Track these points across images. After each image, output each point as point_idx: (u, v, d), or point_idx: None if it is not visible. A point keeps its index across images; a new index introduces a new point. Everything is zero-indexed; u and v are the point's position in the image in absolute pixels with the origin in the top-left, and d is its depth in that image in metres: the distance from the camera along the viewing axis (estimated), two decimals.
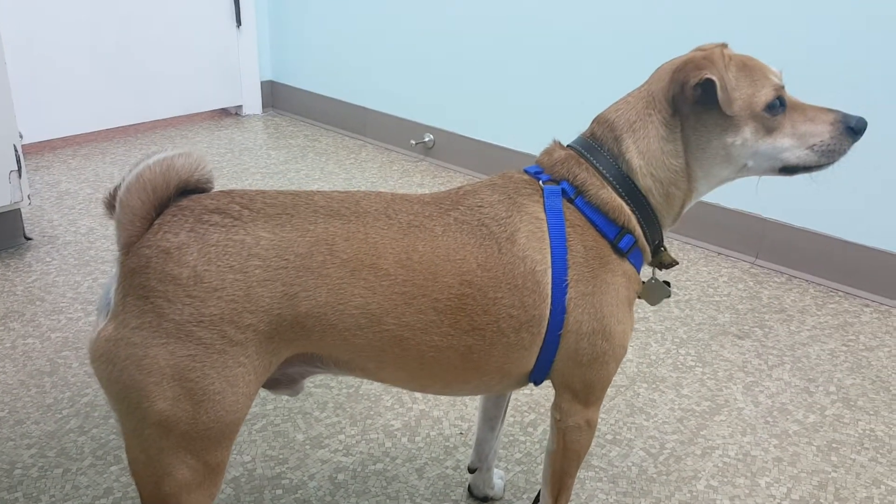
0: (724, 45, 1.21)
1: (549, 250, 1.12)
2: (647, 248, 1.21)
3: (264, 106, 4.30)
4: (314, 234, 1.04)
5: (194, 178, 1.05)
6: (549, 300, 1.12)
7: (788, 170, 1.20)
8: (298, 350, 1.08)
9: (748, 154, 1.17)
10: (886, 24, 2.27)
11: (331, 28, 3.91)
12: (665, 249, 1.24)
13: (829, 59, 2.39)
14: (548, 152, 1.24)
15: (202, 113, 4.16)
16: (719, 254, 2.76)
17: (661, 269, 1.26)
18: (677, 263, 1.26)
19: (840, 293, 2.50)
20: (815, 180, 1.25)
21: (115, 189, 1.02)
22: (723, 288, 2.51)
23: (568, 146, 1.24)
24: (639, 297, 1.28)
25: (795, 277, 2.60)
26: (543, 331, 1.14)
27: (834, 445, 1.79)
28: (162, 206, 1.03)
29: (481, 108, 3.39)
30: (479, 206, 1.15)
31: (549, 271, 1.12)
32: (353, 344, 1.08)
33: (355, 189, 3.21)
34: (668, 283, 1.29)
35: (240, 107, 4.22)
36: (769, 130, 1.16)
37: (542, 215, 1.15)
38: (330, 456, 1.68)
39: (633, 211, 1.17)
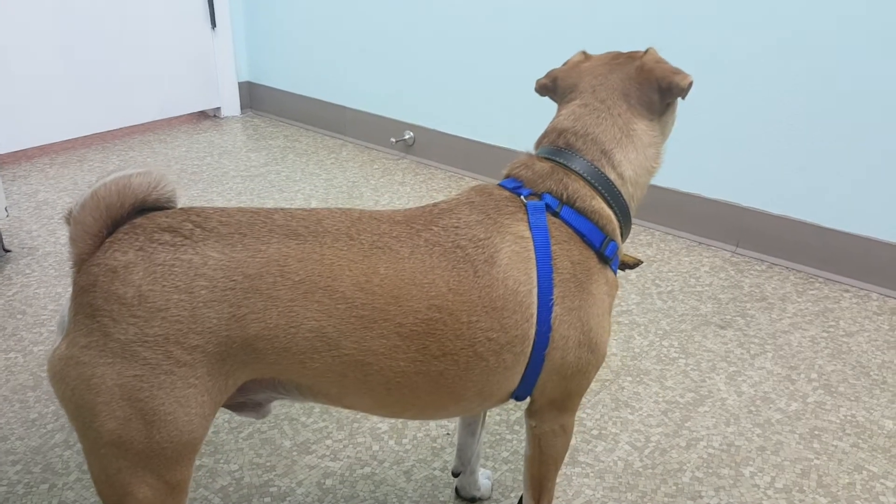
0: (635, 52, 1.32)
1: (534, 270, 1.11)
2: (621, 252, 1.24)
3: (243, 107, 4.28)
4: (266, 255, 1.02)
5: (152, 196, 1.03)
6: (533, 320, 1.10)
7: None
8: (256, 374, 1.06)
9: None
10: (857, 19, 2.29)
11: (307, 27, 3.89)
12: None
13: (801, 47, 2.41)
14: (525, 165, 1.22)
15: (180, 116, 4.13)
16: (700, 243, 2.78)
17: (623, 271, 1.29)
18: (642, 262, 1.30)
19: (820, 279, 2.53)
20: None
21: (76, 205, 1.01)
22: (704, 278, 2.53)
23: (545, 158, 1.23)
24: None
25: (776, 265, 2.63)
26: (528, 350, 1.12)
27: (816, 433, 1.81)
28: (117, 224, 1.02)
29: (461, 104, 3.39)
30: (456, 227, 1.12)
31: (535, 291, 1.10)
32: (312, 368, 1.05)
33: (337, 187, 3.20)
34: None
35: (218, 109, 4.20)
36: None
37: (528, 233, 1.13)
38: (317, 461, 1.69)
39: (618, 219, 1.20)
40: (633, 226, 1.32)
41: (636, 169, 1.22)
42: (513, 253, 1.11)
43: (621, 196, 1.20)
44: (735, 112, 2.59)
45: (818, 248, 2.54)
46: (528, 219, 1.14)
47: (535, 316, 1.10)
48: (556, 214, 1.16)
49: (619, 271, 1.31)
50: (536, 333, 1.11)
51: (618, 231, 1.20)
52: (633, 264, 1.28)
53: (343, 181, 3.35)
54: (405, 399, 1.12)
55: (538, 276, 1.10)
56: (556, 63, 3.00)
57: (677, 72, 1.21)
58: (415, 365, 1.07)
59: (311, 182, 3.33)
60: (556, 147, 1.23)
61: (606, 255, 1.17)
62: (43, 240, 2.71)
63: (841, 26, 2.32)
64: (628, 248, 2.70)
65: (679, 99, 1.24)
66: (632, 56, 1.27)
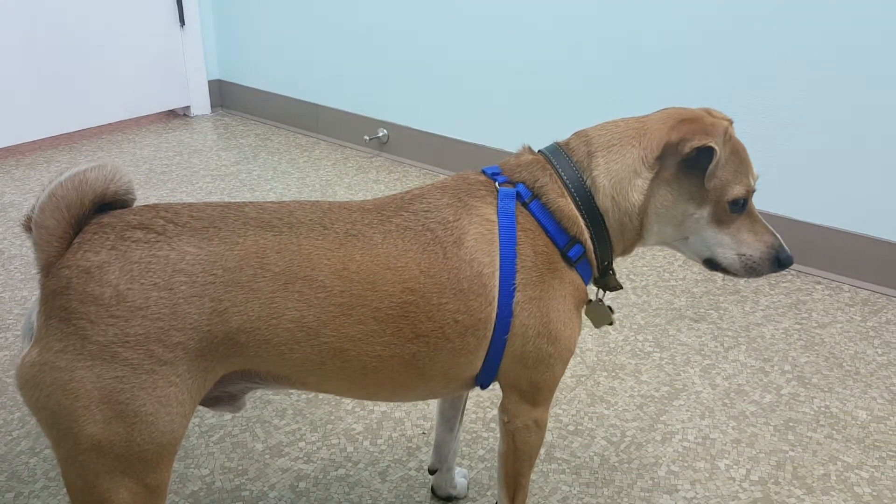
0: (731, 122, 1.23)
1: (497, 253, 1.11)
2: (595, 264, 1.21)
3: (213, 106, 4.23)
4: (243, 248, 1.02)
5: (110, 190, 1.01)
6: (495, 303, 1.11)
7: (710, 264, 1.24)
8: (234, 367, 1.06)
9: (695, 230, 1.20)
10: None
11: (278, 24, 3.85)
12: (613, 273, 1.24)
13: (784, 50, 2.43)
14: (516, 156, 1.24)
15: (149, 115, 4.07)
16: None
17: (605, 292, 1.27)
18: (621, 287, 1.27)
19: (792, 271, 2.54)
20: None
21: (33, 209, 0.99)
22: (678, 272, 2.54)
23: (539, 151, 1.24)
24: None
25: None
26: (489, 334, 1.13)
27: (790, 424, 1.82)
28: (80, 224, 1.00)
29: (435, 101, 3.37)
30: (426, 211, 1.13)
31: (497, 274, 1.11)
32: (291, 358, 1.06)
33: (310, 186, 3.17)
34: (611, 309, 1.31)
35: (188, 108, 4.14)
36: (719, 221, 1.19)
37: (494, 217, 1.14)
38: (290, 464, 1.66)
39: (586, 225, 1.17)
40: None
41: (613, 183, 1.17)
42: (478, 235, 1.12)
43: (593, 202, 1.17)
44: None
45: (790, 240, 2.53)
46: (498, 203, 1.14)
47: (496, 299, 1.11)
48: (525, 205, 1.16)
49: (602, 292, 1.28)
50: (497, 317, 1.12)
51: (586, 236, 1.17)
52: (615, 287, 1.26)
53: (316, 179, 3.32)
54: (380, 381, 1.13)
55: (500, 260, 1.11)
56: (529, 60, 3.00)
57: (709, 133, 1.13)
58: (390, 348, 1.08)
59: (283, 181, 3.29)
60: (557, 144, 1.23)
61: (570, 256, 1.16)
62: (8, 243, 2.65)
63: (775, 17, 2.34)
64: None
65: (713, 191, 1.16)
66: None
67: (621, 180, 1.17)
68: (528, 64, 3.00)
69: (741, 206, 1.19)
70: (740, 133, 1.24)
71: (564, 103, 2.92)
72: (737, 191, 1.17)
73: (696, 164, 1.14)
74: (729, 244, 1.21)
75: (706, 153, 1.13)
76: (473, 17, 3.10)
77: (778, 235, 1.24)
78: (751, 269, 1.22)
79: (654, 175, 1.17)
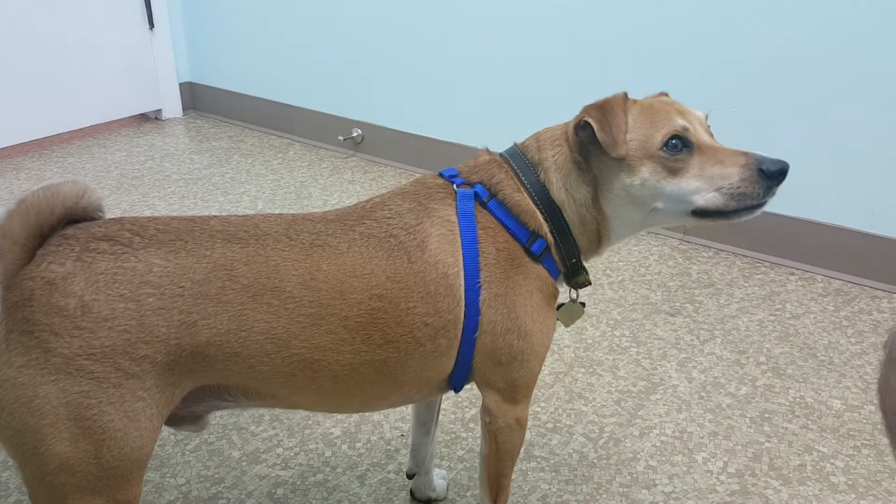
0: (625, 94, 1.18)
1: (460, 253, 1.12)
2: (559, 259, 1.21)
3: (185, 109, 4.19)
4: (211, 260, 1.01)
5: (81, 205, 1.01)
6: (462, 303, 1.12)
7: (699, 213, 1.13)
8: (203, 381, 1.05)
9: (651, 195, 1.13)
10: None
11: (249, 25, 3.82)
12: (585, 272, 1.23)
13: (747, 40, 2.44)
14: (474, 158, 1.25)
15: (120, 120, 4.02)
16: (648, 232, 2.80)
17: (576, 289, 1.27)
18: (590, 283, 1.26)
19: (766, 264, 2.57)
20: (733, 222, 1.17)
21: None
22: (654, 266, 2.55)
23: (499, 154, 1.25)
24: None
25: (723, 251, 2.66)
26: (459, 334, 1.13)
27: (766, 415, 1.83)
28: (44, 235, 0.99)
29: (409, 100, 3.36)
30: (388, 218, 1.14)
31: (462, 273, 1.12)
32: (261, 371, 1.05)
33: (284, 188, 3.15)
34: (582, 304, 1.31)
35: (159, 111, 4.09)
36: (673, 171, 1.11)
37: (454, 218, 1.15)
38: (268, 471, 1.65)
39: (545, 219, 1.18)
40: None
41: (563, 175, 1.17)
42: (441, 236, 1.12)
43: (549, 196, 1.17)
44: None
45: (763, 232, 2.58)
46: (457, 205, 1.15)
47: (462, 299, 1.12)
48: (484, 204, 1.17)
49: (573, 292, 1.28)
50: (465, 317, 1.12)
51: (545, 229, 1.17)
52: (584, 283, 1.25)
53: (291, 181, 3.29)
54: (351, 391, 1.12)
55: (464, 259, 1.12)
56: (504, 58, 2.99)
57: (586, 111, 1.15)
58: (360, 356, 1.08)
59: (257, 183, 3.27)
60: (515, 144, 1.24)
61: (533, 251, 1.17)
62: None
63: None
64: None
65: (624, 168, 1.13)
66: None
67: (568, 172, 1.18)
68: (504, 62, 2.99)
69: (680, 147, 1.11)
70: (715, 128, 1.23)
71: (540, 102, 2.92)
72: (660, 136, 1.10)
73: (597, 142, 1.12)
74: (699, 186, 1.10)
75: (590, 129, 1.12)
76: (447, 16, 3.09)
77: (753, 152, 1.12)
78: (742, 197, 1.09)
79: (587, 165, 1.17)
